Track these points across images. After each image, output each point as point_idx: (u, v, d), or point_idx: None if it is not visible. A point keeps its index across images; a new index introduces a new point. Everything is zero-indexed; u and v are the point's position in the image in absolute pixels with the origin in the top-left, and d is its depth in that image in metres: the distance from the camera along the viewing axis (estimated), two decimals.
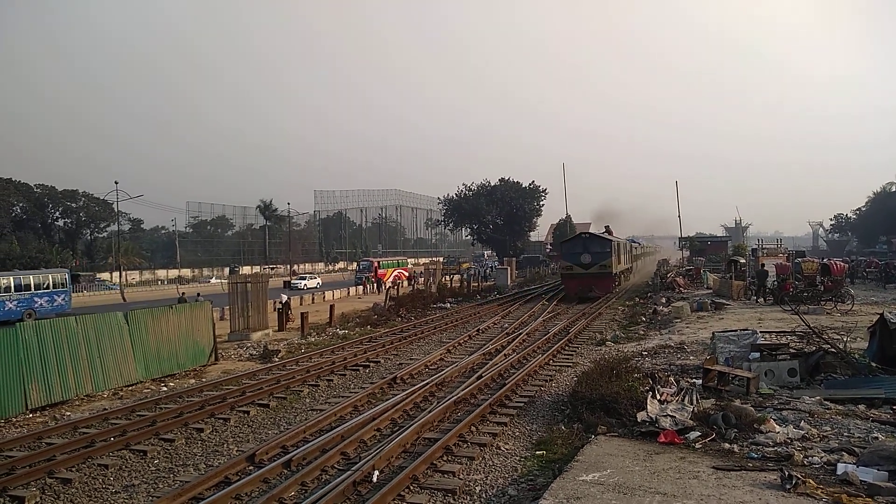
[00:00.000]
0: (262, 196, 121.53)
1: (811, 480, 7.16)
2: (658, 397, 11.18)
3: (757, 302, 29.38)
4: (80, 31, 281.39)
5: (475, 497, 8.23)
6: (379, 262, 63.72)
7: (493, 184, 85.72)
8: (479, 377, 15.00)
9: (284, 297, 31.27)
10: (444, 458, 9.62)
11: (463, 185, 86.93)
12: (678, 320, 24.80)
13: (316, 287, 59.52)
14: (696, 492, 7.07)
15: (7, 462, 9.87)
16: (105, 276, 70.92)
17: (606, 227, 50.12)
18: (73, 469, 9.73)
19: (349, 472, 8.68)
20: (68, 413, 13.85)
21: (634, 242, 62.51)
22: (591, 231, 43.24)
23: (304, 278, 66.55)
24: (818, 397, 11.29)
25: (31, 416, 13.62)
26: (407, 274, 62.11)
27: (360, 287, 53.93)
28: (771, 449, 8.69)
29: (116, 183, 69.84)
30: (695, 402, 10.97)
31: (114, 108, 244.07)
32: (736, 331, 15.50)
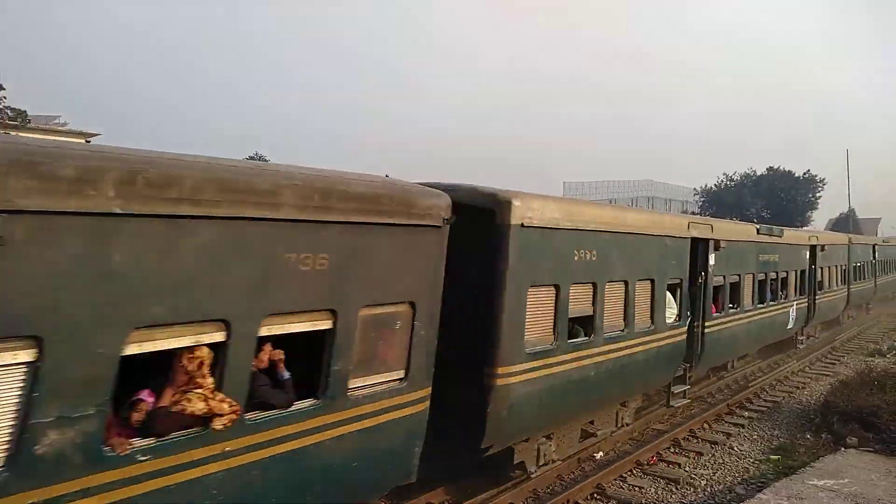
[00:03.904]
0: None
1: None
2: None
3: None
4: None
5: (699, 490, 8.35)
6: None
7: (759, 173, 78.18)
8: (721, 377, 14.49)
9: None
10: (671, 449, 9.79)
11: (724, 174, 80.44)
12: None
13: None
14: None
15: None
16: None
17: None
18: None
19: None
20: None
21: None
22: None
23: None
24: None
25: None
26: None
27: None
28: None
29: None
30: None
31: None
32: None
